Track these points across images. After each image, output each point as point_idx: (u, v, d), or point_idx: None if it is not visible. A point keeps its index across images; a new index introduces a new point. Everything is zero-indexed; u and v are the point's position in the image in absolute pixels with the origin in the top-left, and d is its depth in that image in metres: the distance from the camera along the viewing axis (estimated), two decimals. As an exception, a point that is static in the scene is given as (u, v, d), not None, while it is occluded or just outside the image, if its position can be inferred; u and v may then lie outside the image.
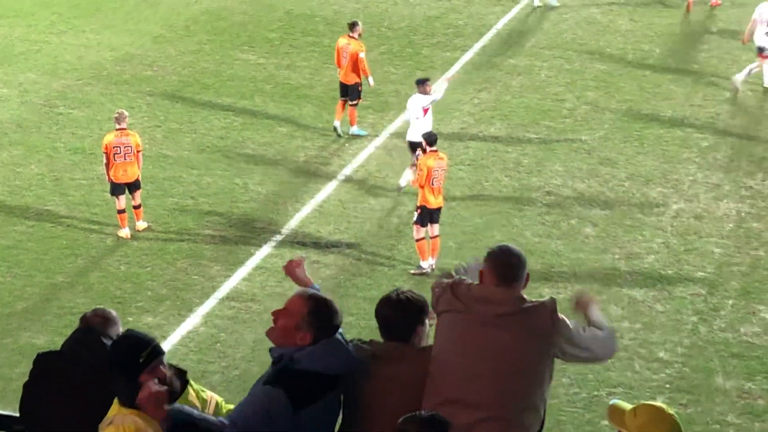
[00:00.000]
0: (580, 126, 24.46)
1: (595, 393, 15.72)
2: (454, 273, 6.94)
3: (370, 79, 23.84)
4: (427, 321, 6.71)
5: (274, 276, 18.33)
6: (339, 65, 24.10)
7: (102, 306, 7.68)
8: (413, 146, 20.91)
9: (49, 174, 21.81)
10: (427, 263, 18.90)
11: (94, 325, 7.35)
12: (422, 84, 21.74)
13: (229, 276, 18.70)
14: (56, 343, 7.70)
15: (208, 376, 15.76)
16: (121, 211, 19.74)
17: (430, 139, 19.38)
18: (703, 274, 19.03)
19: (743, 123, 24.93)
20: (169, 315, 17.57)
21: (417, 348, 6.66)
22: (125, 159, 19.58)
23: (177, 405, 6.38)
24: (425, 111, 21.42)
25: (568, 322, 6.59)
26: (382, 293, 6.99)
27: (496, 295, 6.56)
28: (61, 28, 29.18)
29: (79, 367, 7.15)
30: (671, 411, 5.86)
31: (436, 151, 19.24)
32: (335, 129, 23.66)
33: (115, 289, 18.24)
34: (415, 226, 19.01)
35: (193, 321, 17.51)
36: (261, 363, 15.61)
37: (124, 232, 19.72)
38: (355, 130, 23.82)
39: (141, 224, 19.98)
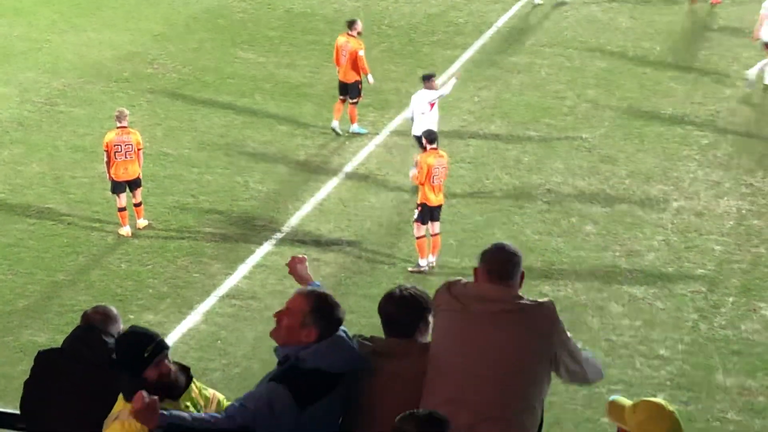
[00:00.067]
0: (580, 124, 24.47)
1: (595, 390, 15.69)
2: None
3: (370, 77, 23.83)
4: (429, 317, 6.72)
5: (275, 274, 18.34)
6: (338, 64, 24.07)
7: (103, 304, 7.69)
8: (420, 141, 20.89)
9: (50, 172, 21.82)
10: (426, 261, 18.91)
11: (94, 322, 7.36)
12: (428, 79, 21.74)
13: (230, 274, 18.71)
14: (57, 340, 7.70)
15: (209, 373, 15.76)
16: (121, 209, 19.74)
17: (431, 137, 19.37)
18: (703, 271, 19.04)
19: (743, 120, 24.94)
20: (169, 313, 17.58)
21: (420, 344, 6.65)
22: (126, 157, 19.59)
23: (167, 411, 6.35)
24: (431, 105, 21.42)
25: (565, 328, 6.58)
26: (382, 291, 7.00)
27: (492, 293, 6.55)
28: (62, 26, 29.18)
29: (80, 364, 7.16)
30: (671, 408, 5.86)
31: (436, 148, 19.25)
32: (333, 129, 23.63)
33: (116, 286, 18.25)
34: (415, 224, 19.01)
35: (193, 319, 17.52)
36: (262, 361, 15.64)
37: (125, 230, 19.73)
38: (355, 128, 23.81)
39: (142, 222, 19.99)
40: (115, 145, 19.55)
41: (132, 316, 16.69)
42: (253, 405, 6.31)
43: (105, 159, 19.77)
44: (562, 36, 29.16)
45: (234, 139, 23.36)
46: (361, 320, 15.42)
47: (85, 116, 24.20)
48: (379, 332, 6.82)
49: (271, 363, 6.67)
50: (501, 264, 6.63)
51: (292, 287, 7.05)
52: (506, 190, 21.64)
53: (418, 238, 18.95)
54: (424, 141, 19.39)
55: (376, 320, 6.81)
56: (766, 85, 26.12)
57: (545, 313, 6.54)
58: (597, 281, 18.66)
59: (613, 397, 5.97)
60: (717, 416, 15.44)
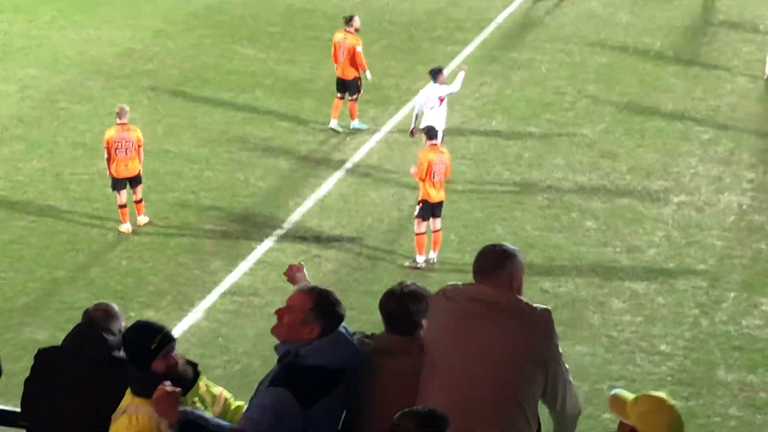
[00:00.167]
0: (581, 119, 24.46)
1: (597, 386, 15.72)
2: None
3: (368, 73, 23.79)
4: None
5: (276, 270, 18.32)
6: (336, 60, 23.98)
7: (105, 301, 7.69)
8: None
9: (50, 169, 21.81)
10: (423, 258, 18.89)
11: (96, 319, 7.37)
12: (437, 73, 21.68)
13: (231, 270, 18.70)
14: (58, 338, 7.70)
15: (210, 370, 15.73)
16: (122, 206, 19.74)
17: (430, 133, 19.36)
18: (704, 266, 19.04)
19: (744, 116, 24.92)
20: (170, 310, 17.57)
21: (421, 342, 6.63)
22: (126, 154, 19.58)
23: (188, 408, 6.38)
24: (441, 101, 21.39)
25: (558, 344, 6.52)
26: (383, 288, 6.99)
27: (485, 292, 6.49)
28: (62, 23, 29.17)
29: (81, 360, 7.16)
30: (673, 402, 5.87)
31: (436, 144, 19.23)
32: (333, 129, 23.59)
33: (116, 283, 18.24)
34: (416, 220, 19.00)
35: (194, 316, 17.51)
36: (263, 357, 15.63)
37: (126, 227, 19.72)
38: (355, 124, 23.80)
39: (142, 219, 19.98)
40: (115, 142, 19.54)
41: (133, 313, 16.67)
42: (258, 415, 6.31)
43: (105, 156, 19.76)
44: (562, 32, 29.15)
45: (234, 136, 23.35)
46: (362, 317, 15.40)
47: (85, 113, 24.20)
48: (379, 329, 6.81)
49: (272, 359, 6.66)
50: (481, 259, 6.60)
51: (293, 286, 7.07)
52: (507, 186, 21.64)
53: (417, 234, 18.94)
54: (424, 137, 19.36)
55: (377, 317, 6.81)
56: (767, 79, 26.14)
57: (544, 317, 6.47)
58: (598, 277, 18.65)
59: (615, 390, 5.98)
60: (718, 412, 15.44)
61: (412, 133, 21.65)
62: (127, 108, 20.08)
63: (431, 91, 21.51)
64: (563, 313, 17.17)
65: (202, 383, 6.91)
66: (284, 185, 21.60)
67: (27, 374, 7.44)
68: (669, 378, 16.11)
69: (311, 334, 6.45)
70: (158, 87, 25.54)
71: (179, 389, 6.32)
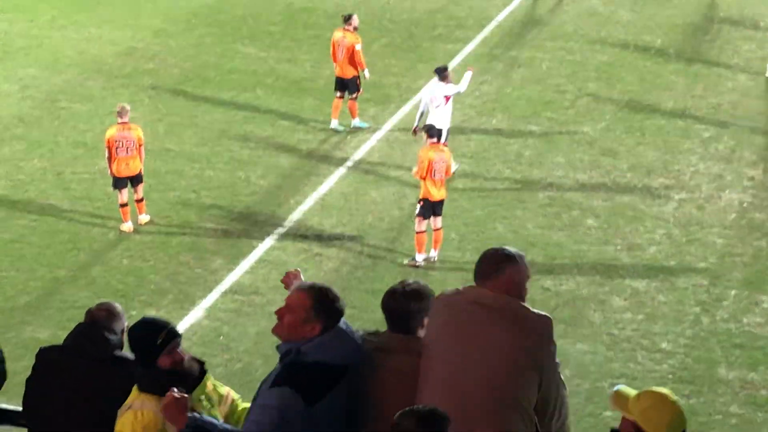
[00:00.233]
0: (581, 117, 24.46)
1: (598, 384, 15.73)
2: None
3: (366, 72, 23.76)
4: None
5: (277, 269, 18.33)
6: (335, 60, 23.94)
7: (107, 300, 7.70)
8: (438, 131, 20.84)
9: (51, 168, 21.82)
10: (422, 257, 18.88)
11: (98, 318, 7.37)
12: (443, 72, 21.65)
13: (232, 269, 18.70)
14: (59, 337, 7.71)
15: (211, 369, 15.55)
16: (123, 205, 19.74)
17: (431, 131, 19.36)
18: (705, 264, 19.04)
19: (745, 113, 24.91)
20: (171, 308, 17.57)
21: (422, 341, 6.65)
22: (127, 153, 19.58)
23: (197, 414, 6.38)
24: (447, 99, 21.38)
25: (555, 354, 6.50)
26: (384, 286, 7.00)
27: (484, 294, 6.49)
28: (62, 22, 29.17)
29: (83, 359, 7.17)
30: (675, 398, 5.88)
31: (436, 143, 19.23)
32: (334, 129, 23.57)
33: (117, 282, 18.25)
34: (417, 219, 19.00)
35: (195, 314, 17.52)
36: (264, 356, 15.65)
37: (127, 226, 19.73)
38: (356, 122, 23.80)
39: (143, 218, 19.99)
40: (116, 141, 19.55)
41: (134, 312, 16.66)
42: (263, 416, 6.30)
43: (106, 155, 19.76)
44: (563, 29, 29.15)
45: (235, 134, 23.35)
46: (363, 315, 15.43)
47: (86, 112, 24.20)
48: (381, 327, 6.81)
49: (274, 358, 6.67)
50: (482, 262, 6.59)
51: (293, 285, 7.08)
52: (508, 184, 21.64)
53: (418, 232, 18.93)
54: (425, 136, 19.36)
55: (378, 315, 6.81)
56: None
57: (543, 324, 6.45)
58: (598, 275, 18.65)
59: (618, 387, 6.00)
60: (719, 410, 15.44)
61: (415, 132, 21.65)
62: (128, 107, 20.08)
63: (437, 89, 21.47)
64: (564, 311, 17.18)
65: (210, 382, 6.93)
66: (285, 184, 21.60)
67: (28, 373, 7.44)
68: (670, 376, 16.11)
69: (313, 332, 6.45)
70: (159, 86, 25.54)
71: (187, 395, 6.31)
